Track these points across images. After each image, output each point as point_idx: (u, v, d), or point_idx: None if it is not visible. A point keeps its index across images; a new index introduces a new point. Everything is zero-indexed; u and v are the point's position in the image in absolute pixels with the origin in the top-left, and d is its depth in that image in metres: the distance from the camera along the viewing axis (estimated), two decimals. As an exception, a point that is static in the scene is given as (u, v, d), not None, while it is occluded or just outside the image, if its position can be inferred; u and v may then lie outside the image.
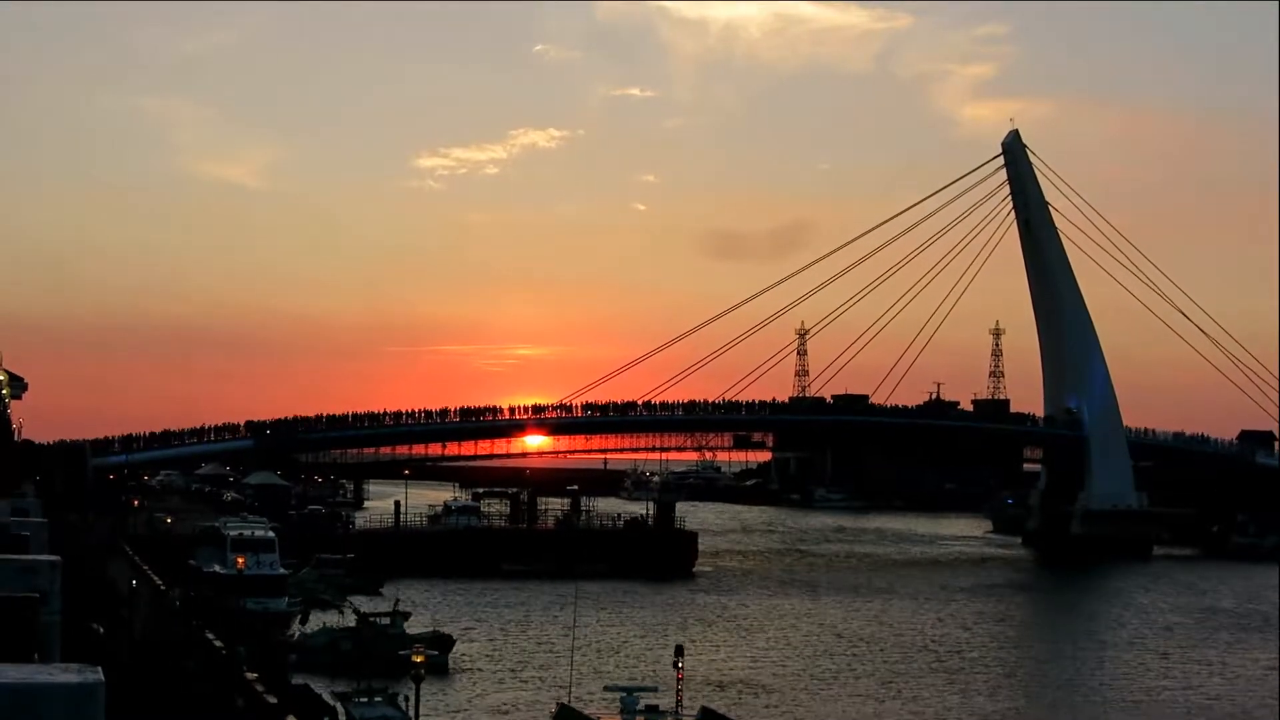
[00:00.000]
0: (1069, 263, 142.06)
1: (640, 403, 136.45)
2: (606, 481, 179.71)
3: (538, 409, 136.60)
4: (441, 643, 57.40)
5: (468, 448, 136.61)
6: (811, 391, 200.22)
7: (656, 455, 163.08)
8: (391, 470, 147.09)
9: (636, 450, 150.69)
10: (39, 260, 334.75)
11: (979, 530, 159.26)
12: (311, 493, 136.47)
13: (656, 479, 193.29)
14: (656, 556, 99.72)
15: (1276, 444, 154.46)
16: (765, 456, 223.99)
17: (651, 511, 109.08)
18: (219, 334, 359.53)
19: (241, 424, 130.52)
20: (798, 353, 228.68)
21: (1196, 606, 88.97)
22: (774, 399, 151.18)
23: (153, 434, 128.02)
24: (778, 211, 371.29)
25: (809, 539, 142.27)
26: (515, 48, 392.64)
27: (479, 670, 57.53)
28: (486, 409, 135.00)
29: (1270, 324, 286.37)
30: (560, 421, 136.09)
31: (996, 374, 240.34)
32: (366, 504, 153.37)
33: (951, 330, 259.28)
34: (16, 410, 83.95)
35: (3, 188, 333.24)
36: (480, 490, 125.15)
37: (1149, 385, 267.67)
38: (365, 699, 42.67)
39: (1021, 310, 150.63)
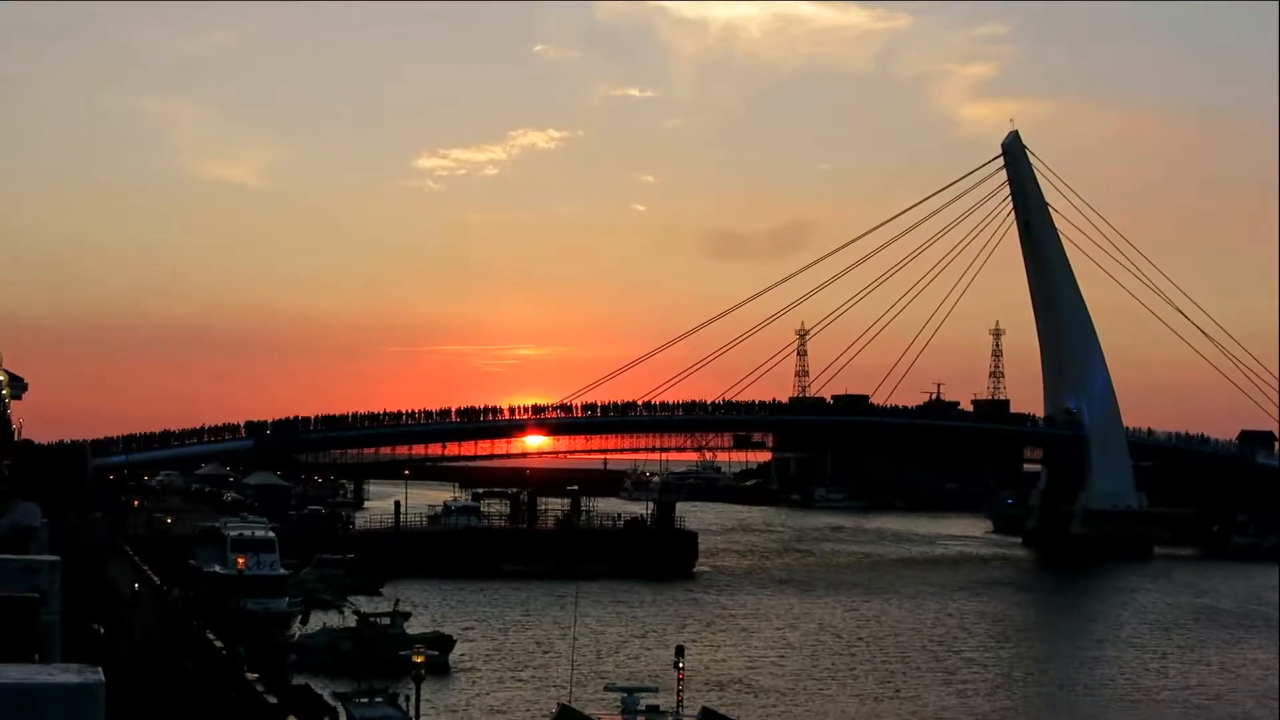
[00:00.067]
0: (1069, 263, 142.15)
1: (640, 403, 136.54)
2: (606, 482, 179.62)
3: (538, 409, 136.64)
4: (442, 643, 57.41)
5: (468, 448, 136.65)
6: (812, 392, 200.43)
7: (656, 455, 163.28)
8: (391, 470, 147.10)
9: (636, 450, 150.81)
10: (39, 260, 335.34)
11: (979, 530, 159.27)
12: (311, 493, 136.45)
13: (656, 479, 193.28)
14: (656, 556, 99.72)
15: (1277, 444, 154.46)
16: (765, 457, 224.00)
17: (651, 512, 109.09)
18: (219, 334, 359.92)
19: (241, 424, 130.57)
20: (798, 353, 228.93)
21: (1196, 606, 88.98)
22: (774, 399, 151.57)
23: (153, 434, 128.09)
24: (778, 211, 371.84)
25: (809, 539, 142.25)
26: (515, 48, 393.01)
27: (479, 670, 57.53)
28: (487, 409, 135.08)
29: (1270, 324, 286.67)
30: (560, 422, 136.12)
31: (996, 374, 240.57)
32: (366, 504, 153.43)
33: (951, 331, 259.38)
34: (16, 410, 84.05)
35: (3, 188, 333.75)
36: (480, 490, 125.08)
37: (1149, 385, 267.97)
38: (365, 699, 42.65)
39: (1021, 310, 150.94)
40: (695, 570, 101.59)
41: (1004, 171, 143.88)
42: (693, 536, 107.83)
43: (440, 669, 53.97)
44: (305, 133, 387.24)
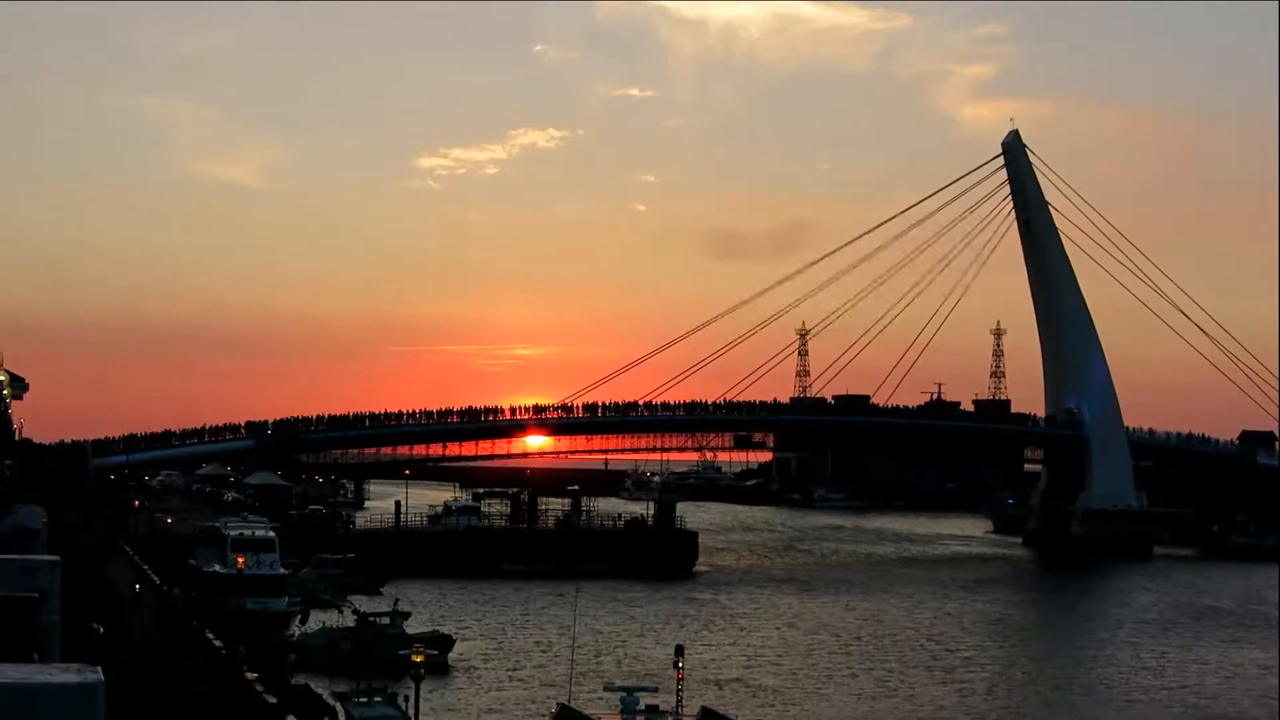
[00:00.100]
0: (1069, 262, 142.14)
1: (641, 403, 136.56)
2: (607, 482, 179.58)
3: (538, 409, 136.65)
4: (441, 642, 57.47)
5: (468, 448, 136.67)
6: (812, 392, 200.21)
7: (657, 455, 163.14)
8: (392, 470, 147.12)
9: (637, 450, 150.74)
10: (39, 260, 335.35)
11: (979, 530, 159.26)
12: (312, 493, 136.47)
13: (657, 479, 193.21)
14: (657, 556, 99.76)
15: (1277, 444, 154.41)
16: (766, 457, 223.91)
17: (652, 511, 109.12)
18: (219, 334, 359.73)
19: (242, 424, 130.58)
20: (799, 353, 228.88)
21: (1196, 606, 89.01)
22: (775, 399, 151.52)
23: (153, 434, 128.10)
24: (778, 211, 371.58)
25: (809, 539, 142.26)
26: (515, 48, 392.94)
27: (479, 670, 57.58)
28: (487, 409, 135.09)
29: (1270, 324, 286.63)
30: (561, 422, 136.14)
31: (997, 374, 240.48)
32: (367, 504, 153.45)
33: (952, 330, 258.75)
34: (17, 410, 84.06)
35: (3, 188, 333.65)
36: (481, 490, 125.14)
37: (1149, 385, 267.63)
38: (365, 699, 42.70)
39: (1022, 310, 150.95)
40: (695, 570, 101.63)
41: (1004, 171, 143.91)
42: (693, 536, 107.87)
43: (439, 669, 54.03)
44: (305, 133, 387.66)
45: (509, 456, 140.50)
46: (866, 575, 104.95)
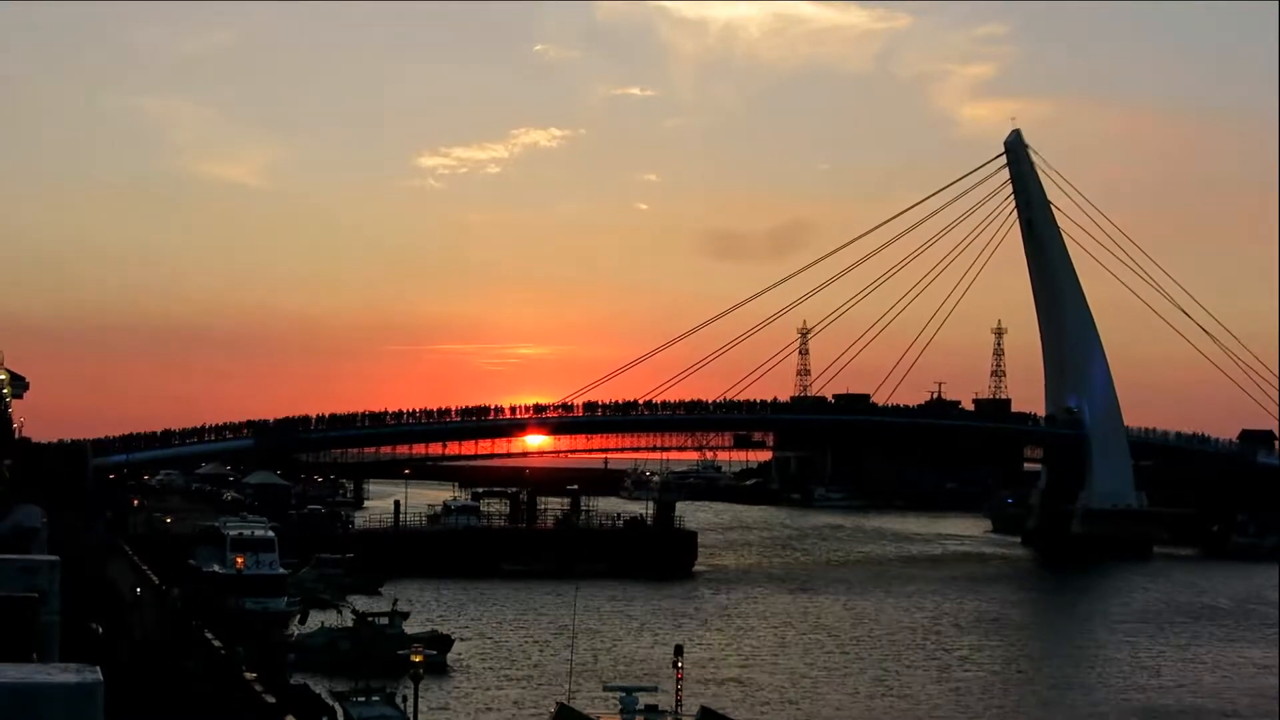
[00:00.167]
0: (1071, 262, 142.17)
1: (641, 402, 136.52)
2: (607, 481, 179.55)
3: (538, 409, 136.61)
4: (440, 642, 57.47)
5: (468, 447, 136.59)
6: (813, 391, 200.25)
7: (657, 455, 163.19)
8: (391, 470, 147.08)
9: (637, 450, 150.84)
10: (39, 260, 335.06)
11: (979, 530, 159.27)
12: (311, 492, 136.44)
13: (657, 479, 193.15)
14: (656, 556, 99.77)
15: (1277, 444, 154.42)
16: (766, 456, 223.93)
17: (651, 511, 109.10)
18: (219, 334, 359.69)
19: (242, 424, 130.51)
20: (799, 352, 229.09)
21: (1195, 606, 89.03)
22: (775, 398, 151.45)
23: (153, 434, 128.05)
24: (777, 211, 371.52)
25: (809, 538, 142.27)
26: (515, 48, 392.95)
27: (478, 670, 57.59)
28: (487, 408, 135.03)
29: (1270, 324, 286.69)
30: (561, 421, 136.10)
31: (998, 373, 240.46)
32: (366, 504, 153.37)
33: (953, 330, 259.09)
34: (17, 410, 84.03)
35: (3, 188, 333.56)
36: (480, 490, 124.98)
37: (1149, 384, 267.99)
38: (364, 698, 42.70)
39: (1023, 309, 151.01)
40: (695, 570, 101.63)
41: (1006, 170, 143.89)
42: (692, 536, 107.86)
43: (438, 668, 54.04)
44: (305, 133, 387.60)
45: (508, 456, 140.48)
46: (866, 575, 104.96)
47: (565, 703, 40.27)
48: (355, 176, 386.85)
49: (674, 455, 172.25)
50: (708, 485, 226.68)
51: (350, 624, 58.85)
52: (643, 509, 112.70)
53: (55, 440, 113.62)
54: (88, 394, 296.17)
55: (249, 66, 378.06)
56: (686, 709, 36.26)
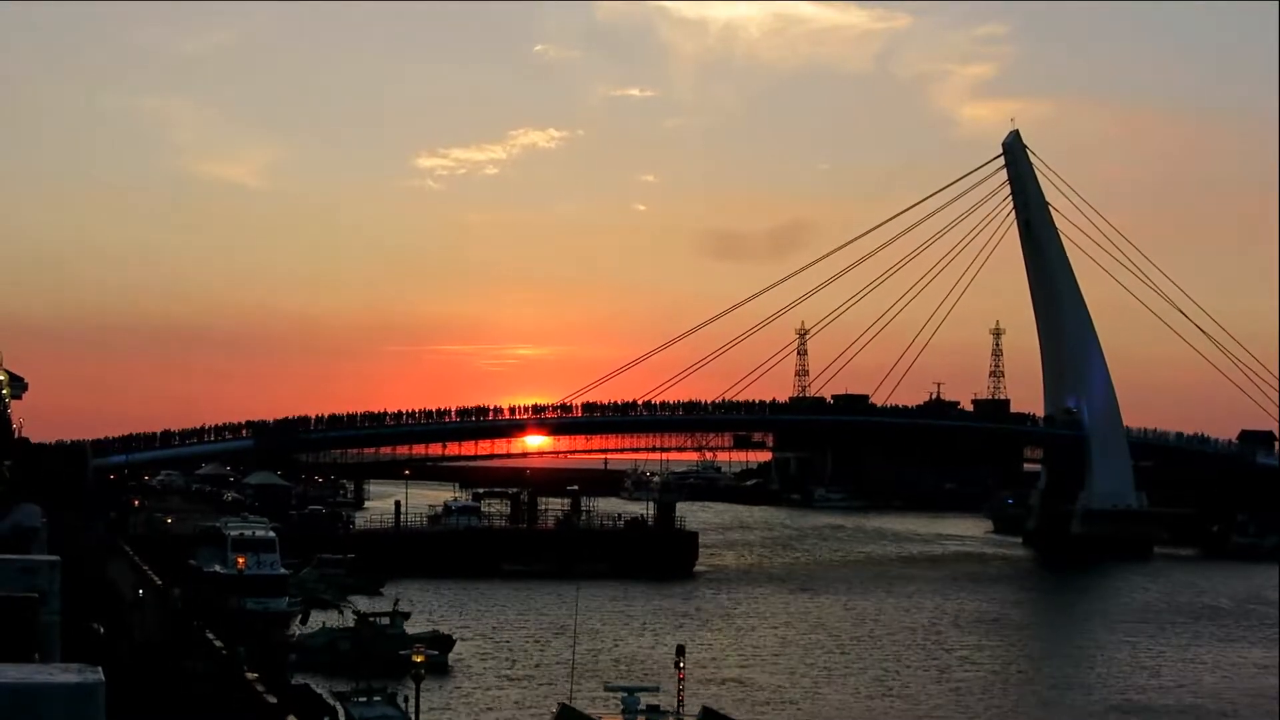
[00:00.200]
0: (1069, 262, 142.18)
1: (640, 403, 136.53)
2: (607, 481, 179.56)
3: (538, 409, 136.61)
4: (441, 642, 57.45)
5: (468, 448, 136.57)
6: (812, 391, 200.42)
7: (657, 455, 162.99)
8: (392, 470, 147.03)
9: (637, 450, 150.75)
10: (39, 260, 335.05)
11: (979, 530, 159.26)
12: (312, 493, 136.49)
13: (657, 479, 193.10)
14: (657, 556, 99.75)
15: (1277, 444, 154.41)
16: (765, 456, 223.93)
17: (652, 511, 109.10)
18: (219, 334, 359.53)
19: (242, 424, 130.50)
20: (798, 353, 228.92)
21: (1195, 606, 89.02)
22: (774, 399, 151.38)
23: (153, 434, 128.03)
24: (777, 211, 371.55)
25: (809, 539, 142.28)
26: (515, 48, 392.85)
27: (479, 670, 57.57)
28: (487, 409, 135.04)
29: (1270, 324, 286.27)
30: (560, 421, 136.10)
31: (996, 374, 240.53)
32: (367, 504, 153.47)
33: (952, 330, 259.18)
34: (16, 410, 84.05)
35: (3, 188, 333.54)
36: (480, 490, 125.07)
37: (1149, 385, 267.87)
38: (365, 699, 42.67)
39: (1022, 310, 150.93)
40: (695, 570, 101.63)
41: (1004, 171, 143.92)
42: (693, 536, 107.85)
43: (439, 669, 54.01)
44: (305, 133, 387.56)
45: (509, 456, 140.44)
46: (866, 575, 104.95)
47: (567, 703, 40.24)
48: (355, 176, 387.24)
49: (674, 456, 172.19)
50: (708, 486, 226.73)
51: (351, 624, 58.87)
52: (643, 509, 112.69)
53: (55, 440, 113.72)
54: (88, 394, 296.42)
55: (249, 66, 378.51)
56: (688, 709, 36.23)
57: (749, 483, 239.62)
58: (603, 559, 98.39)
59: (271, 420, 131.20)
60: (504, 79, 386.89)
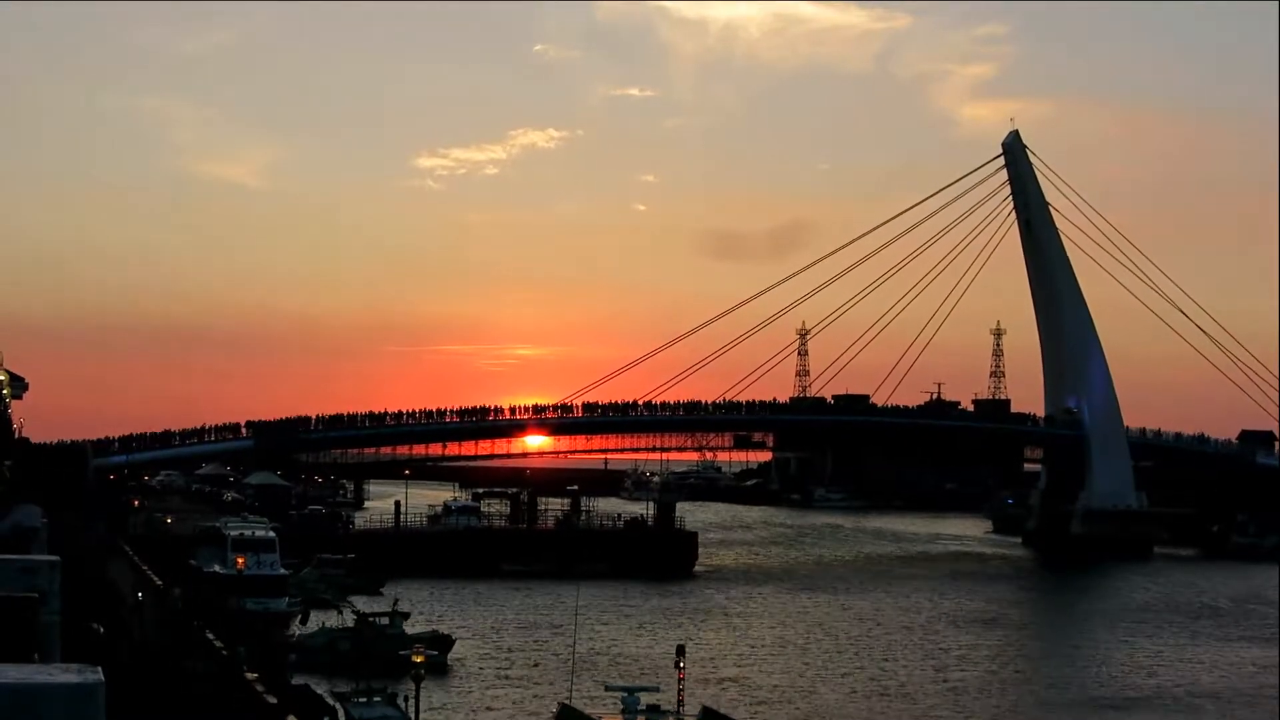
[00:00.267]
0: (1069, 262, 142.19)
1: (640, 403, 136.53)
2: (607, 482, 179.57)
3: (538, 409, 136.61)
4: (440, 642, 57.44)
5: (468, 448, 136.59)
6: (812, 391, 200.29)
7: (657, 455, 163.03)
8: (392, 470, 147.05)
9: (637, 450, 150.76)
10: (39, 260, 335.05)
11: (979, 530, 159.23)
12: (312, 493, 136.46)
13: (657, 479, 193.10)
14: (657, 556, 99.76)
15: (1277, 444, 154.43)
16: (765, 456, 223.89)
17: (652, 511, 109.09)
18: (219, 334, 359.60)
19: (242, 424, 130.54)
20: (798, 353, 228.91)
21: (1195, 606, 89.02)
22: (774, 399, 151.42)
23: (153, 434, 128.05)
24: (777, 211, 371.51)
25: (809, 539, 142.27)
26: (515, 48, 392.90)
27: (478, 670, 57.57)
28: (486, 409, 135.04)
29: (1270, 324, 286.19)
30: (560, 421, 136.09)
31: (997, 374, 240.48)
32: (367, 504, 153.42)
33: (952, 330, 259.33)
34: (16, 410, 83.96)
35: (3, 188, 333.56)
36: (480, 490, 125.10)
37: (1149, 385, 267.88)
38: (364, 699, 42.68)
39: (1022, 310, 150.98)
40: (695, 570, 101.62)
41: (1004, 171, 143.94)
42: (693, 536, 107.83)
43: (439, 669, 54.02)
44: (305, 133, 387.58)
45: (508, 456, 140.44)
46: (866, 575, 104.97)
47: (567, 702, 40.24)
48: (355, 176, 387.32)
49: (674, 456, 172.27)
50: (708, 486, 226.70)
51: (351, 624, 58.86)
52: (643, 509, 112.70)
53: (55, 441, 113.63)
54: (88, 394, 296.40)
55: (249, 66, 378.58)
56: (688, 709, 36.24)
57: (749, 483, 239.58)
58: (602, 559, 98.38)
59: (271, 420, 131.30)
60: (504, 79, 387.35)
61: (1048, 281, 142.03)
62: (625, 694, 35.75)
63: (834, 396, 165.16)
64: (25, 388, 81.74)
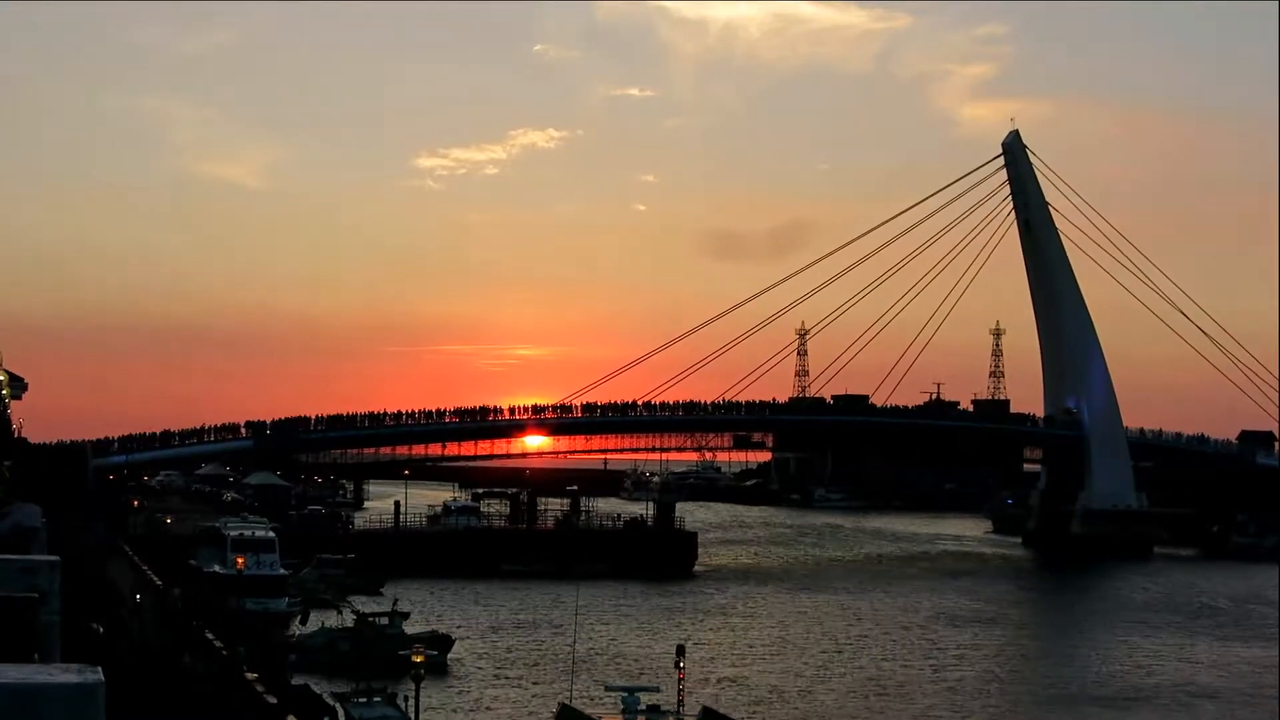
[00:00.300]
0: (1069, 262, 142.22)
1: (640, 403, 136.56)
2: (606, 482, 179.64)
3: (538, 409, 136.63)
4: (440, 642, 57.44)
5: (468, 448, 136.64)
6: (812, 392, 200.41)
7: (656, 455, 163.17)
8: (391, 470, 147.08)
9: (636, 450, 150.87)
10: (39, 260, 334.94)
11: (979, 530, 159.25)
12: (311, 493, 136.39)
13: (656, 479, 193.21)
14: (656, 556, 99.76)
15: (1277, 444, 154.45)
16: (765, 457, 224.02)
17: (651, 512, 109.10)
18: (219, 334, 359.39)
19: (241, 424, 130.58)
20: (798, 353, 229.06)
21: (1195, 606, 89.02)
22: (774, 399, 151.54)
23: (153, 434, 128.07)
24: (777, 211, 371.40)
25: (808, 539, 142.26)
26: (515, 48, 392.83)
27: (478, 670, 57.56)
28: (486, 409, 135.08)
29: (1270, 324, 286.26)
30: (560, 422, 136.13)
31: (997, 374, 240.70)
32: (366, 504, 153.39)
33: (952, 330, 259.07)
34: (16, 410, 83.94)
35: (3, 188, 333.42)
36: (480, 490, 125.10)
37: (1149, 385, 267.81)
38: (364, 699, 42.68)
39: (1022, 310, 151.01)
40: (695, 570, 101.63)
41: (1004, 171, 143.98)
42: (692, 536, 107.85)
43: (439, 669, 54.01)
44: (305, 133, 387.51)
45: (508, 456, 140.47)
46: (865, 575, 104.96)
47: (567, 702, 40.25)
48: (355, 176, 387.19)
49: (673, 456, 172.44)
50: (707, 486, 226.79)
51: (351, 624, 58.86)
52: (643, 510, 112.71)
53: (55, 440, 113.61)
54: (88, 394, 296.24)
55: (249, 66, 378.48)
56: (688, 709, 36.23)
57: (749, 483, 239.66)
58: (602, 559, 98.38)
59: (271, 420, 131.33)
60: (504, 79, 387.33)
61: (1047, 282, 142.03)
62: (625, 694, 35.74)
63: (833, 397, 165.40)
64: (25, 388, 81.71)
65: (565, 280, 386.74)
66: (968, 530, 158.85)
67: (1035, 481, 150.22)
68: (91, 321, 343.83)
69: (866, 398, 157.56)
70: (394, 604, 62.21)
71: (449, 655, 57.90)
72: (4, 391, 74.22)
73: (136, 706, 24.86)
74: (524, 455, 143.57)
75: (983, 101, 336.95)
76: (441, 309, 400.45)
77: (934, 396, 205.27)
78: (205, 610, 51.52)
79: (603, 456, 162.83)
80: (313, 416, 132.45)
